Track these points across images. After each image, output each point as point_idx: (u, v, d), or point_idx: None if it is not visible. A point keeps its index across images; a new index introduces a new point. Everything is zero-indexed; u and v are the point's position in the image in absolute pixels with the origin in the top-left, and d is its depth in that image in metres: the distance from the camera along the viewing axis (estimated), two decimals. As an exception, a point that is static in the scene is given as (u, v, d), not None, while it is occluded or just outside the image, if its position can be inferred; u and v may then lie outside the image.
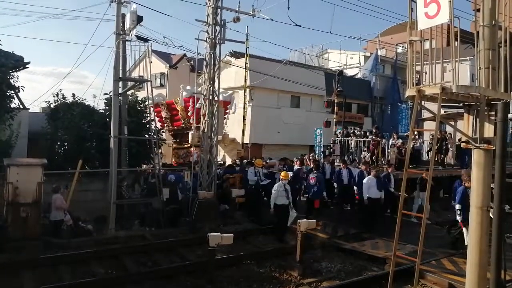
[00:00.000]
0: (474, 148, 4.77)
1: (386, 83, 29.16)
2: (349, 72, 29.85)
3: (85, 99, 15.24)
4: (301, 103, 25.03)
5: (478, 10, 4.73)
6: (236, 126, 21.60)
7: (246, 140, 21.83)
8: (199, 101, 13.65)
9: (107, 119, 13.66)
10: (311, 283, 8.18)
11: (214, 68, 13.01)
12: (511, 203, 11.71)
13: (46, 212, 10.78)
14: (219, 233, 8.30)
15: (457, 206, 9.43)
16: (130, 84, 13.22)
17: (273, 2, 15.53)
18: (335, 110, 19.64)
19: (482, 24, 4.55)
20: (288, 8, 14.18)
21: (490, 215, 4.98)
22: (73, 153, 13.67)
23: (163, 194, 12.37)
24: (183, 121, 18.45)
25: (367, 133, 17.30)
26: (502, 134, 4.93)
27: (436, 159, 15.93)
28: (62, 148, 14.76)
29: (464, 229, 9.18)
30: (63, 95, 15.13)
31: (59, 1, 41.73)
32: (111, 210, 11.72)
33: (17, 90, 13.42)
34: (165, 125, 19.58)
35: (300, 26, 15.65)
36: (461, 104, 4.97)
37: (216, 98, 13.12)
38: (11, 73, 13.08)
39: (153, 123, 14.09)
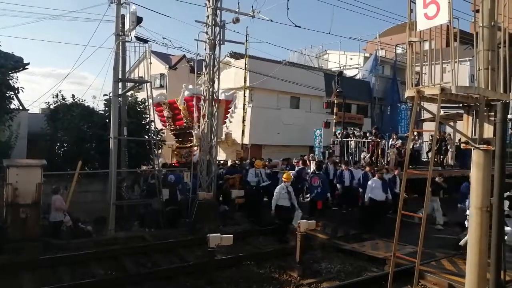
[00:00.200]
0: (473, 149, 4.77)
1: (386, 84, 29.18)
2: (349, 73, 29.86)
3: (84, 100, 15.23)
4: (300, 104, 25.03)
5: (478, 11, 4.74)
6: (236, 127, 21.62)
7: (246, 140, 21.84)
8: (201, 101, 13.64)
9: (107, 120, 13.64)
10: (311, 284, 8.18)
11: (213, 69, 13.01)
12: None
13: (46, 213, 10.77)
14: (218, 234, 8.28)
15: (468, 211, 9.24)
16: (129, 85, 13.22)
17: (273, 3, 15.53)
18: (334, 111, 19.65)
19: (481, 25, 4.56)
20: (288, 9, 14.24)
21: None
22: (73, 154, 13.65)
23: (162, 195, 12.37)
24: (185, 121, 18.43)
25: (367, 134, 17.31)
26: (501, 134, 4.93)
27: (435, 159, 15.94)
28: (62, 149, 14.72)
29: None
30: (62, 96, 15.13)
31: (59, 2, 41.77)
32: (111, 211, 11.71)
33: (16, 91, 13.40)
34: (167, 124, 19.54)
35: (299, 27, 15.65)
36: (461, 105, 4.97)
37: (216, 99, 13.12)
38: (11, 74, 13.06)
39: (152, 124, 14.09)
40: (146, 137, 14.75)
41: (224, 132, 21.05)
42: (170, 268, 8.83)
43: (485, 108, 4.72)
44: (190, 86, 17.66)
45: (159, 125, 18.49)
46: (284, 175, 11.54)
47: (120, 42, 12.67)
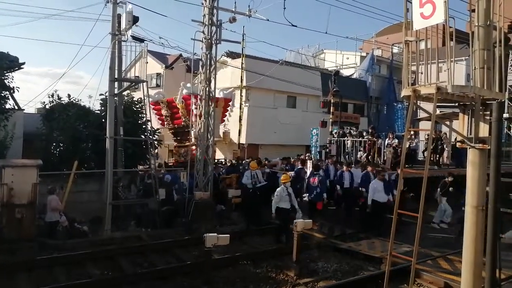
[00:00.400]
0: (469, 148, 4.79)
1: (382, 83, 29.27)
2: (345, 72, 29.92)
3: (80, 100, 15.17)
4: (297, 103, 25.05)
5: (473, 11, 4.75)
6: (232, 126, 21.61)
7: (243, 140, 21.84)
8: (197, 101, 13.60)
9: (103, 120, 13.59)
10: (308, 283, 8.19)
11: (210, 69, 12.99)
12: (506, 203, 11.68)
13: (42, 213, 10.73)
14: (215, 234, 8.26)
15: None
16: (126, 84, 13.16)
17: (269, 2, 15.52)
18: (331, 110, 19.69)
19: (477, 24, 4.57)
20: (284, 8, 14.28)
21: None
22: (69, 154, 13.59)
23: (159, 195, 12.33)
24: (183, 119, 18.38)
25: (363, 133, 17.35)
26: (497, 133, 4.94)
27: (431, 158, 15.99)
28: (58, 149, 14.65)
29: None
30: (58, 95, 15.04)
31: (55, 1, 41.55)
32: (107, 211, 11.67)
33: (12, 91, 13.35)
34: (166, 123, 19.47)
35: (296, 26, 15.67)
36: (457, 104, 4.98)
37: (212, 98, 13.10)
38: (6, 74, 13.02)
39: (149, 123, 14.05)
40: (143, 136, 14.71)
41: (222, 131, 21.00)
42: (166, 268, 8.81)
43: (480, 107, 4.74)
44: (188, 85, 17.61)
45: (156, 125, 18.45)
46: (282, 177, 11.34)
47: (116, 42, 12.61)
